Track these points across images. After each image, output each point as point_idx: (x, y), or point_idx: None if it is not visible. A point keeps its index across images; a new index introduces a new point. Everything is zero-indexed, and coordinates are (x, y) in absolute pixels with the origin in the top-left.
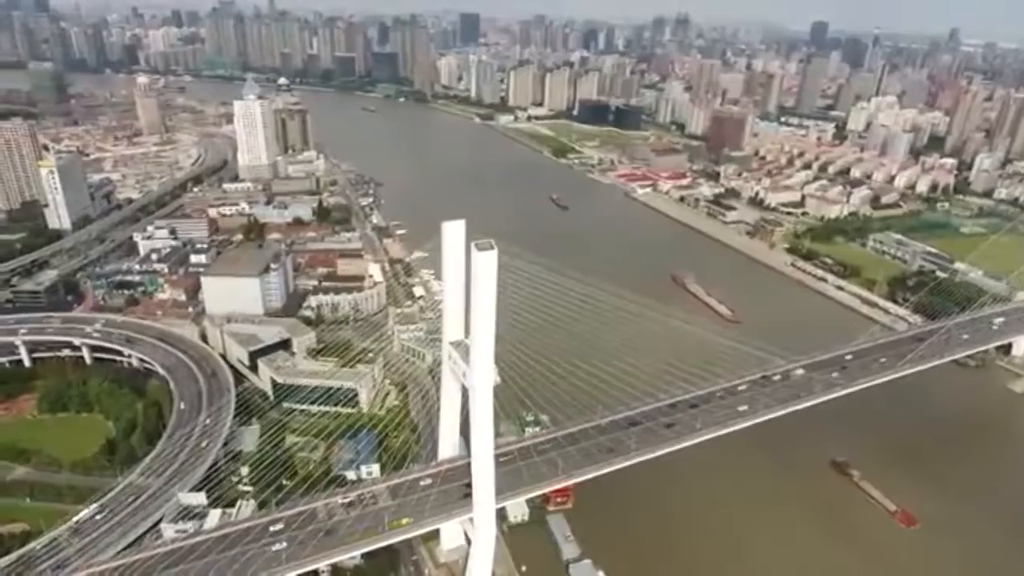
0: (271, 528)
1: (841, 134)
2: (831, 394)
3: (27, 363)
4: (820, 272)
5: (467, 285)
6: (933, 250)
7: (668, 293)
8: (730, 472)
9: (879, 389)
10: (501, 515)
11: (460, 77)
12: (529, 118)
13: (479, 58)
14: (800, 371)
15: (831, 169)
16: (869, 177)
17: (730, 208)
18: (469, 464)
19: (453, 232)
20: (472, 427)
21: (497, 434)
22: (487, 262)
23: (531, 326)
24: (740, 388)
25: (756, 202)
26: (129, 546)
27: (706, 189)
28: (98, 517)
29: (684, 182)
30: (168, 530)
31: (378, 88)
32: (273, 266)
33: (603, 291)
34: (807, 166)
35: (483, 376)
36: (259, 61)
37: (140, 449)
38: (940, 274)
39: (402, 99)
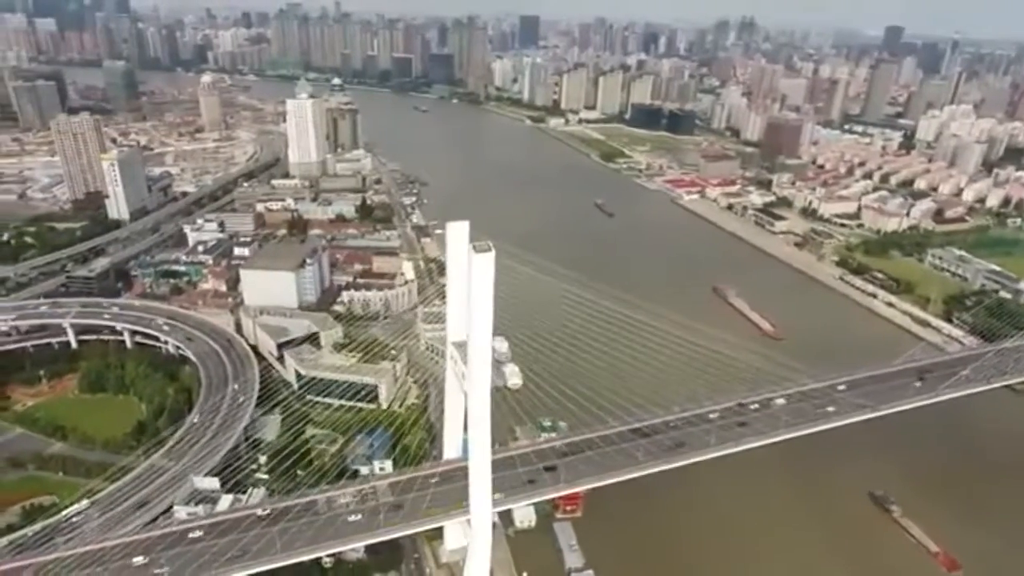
0: (274, 516)
1: (909, 144)
2: (856, 416)
3: (74, 345)
4: (870, 287)
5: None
6: (998, 268)
7: (708, 306)
8: (755, 495)
9: (924, 415)
10: (508, 519)
11: (514, 79)
12: (580, 121)
13: (533, 60)
14: (781, 400)
15: (893, 180)
16: (935, 189)
17: (779, 218)
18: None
19: (457, 232)
20: (469, 429)
21: (513, 437)
22: (484, 264)
23: (558, 334)
24: (752, 407)
25: (808, 212)
26: (146, 524)
27: (756, 197)
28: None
29: (733, 189)
30: (180, 512)
31: (432, 89)
32: (309, 261)
33: (636, 302)
34: (867, 176)
35: (480, 378)
36: (321, 61)
37: (167, 431)
38: (1004, 294)
39: (455, 100)
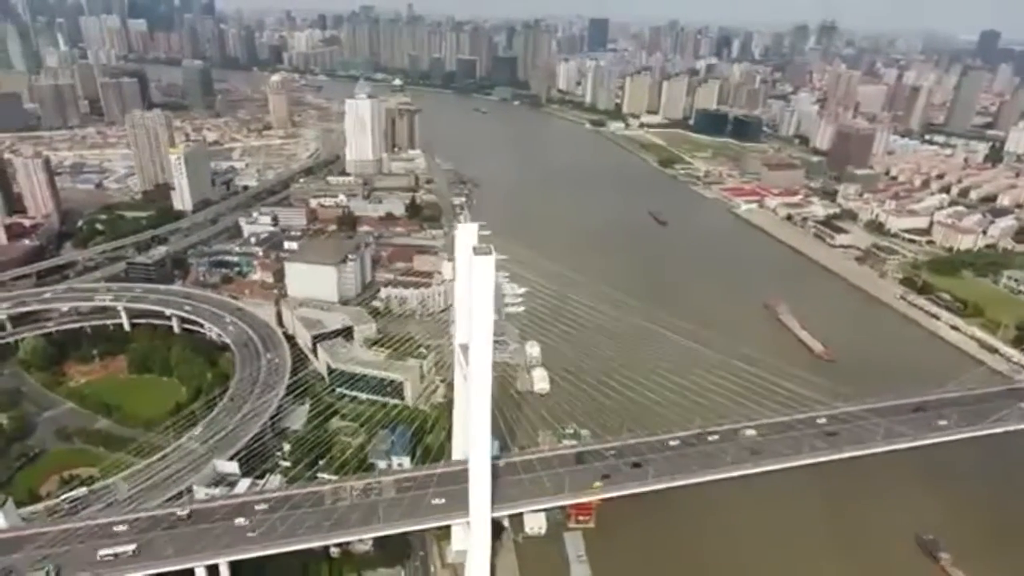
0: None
1: (996, 156)
2: (890, 445)
3: (127, 327)
4: (934, 308)
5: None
6: None
7: (756, 323)
8: (783, 525)
9: (981, 451)
10: (518, 525)
11: (578, 83)
12: (641, 125)
13: (596, 63)
14: (751, 431)
15: (974, 195)
16: (1020, 206)
17: (841, 231)
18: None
19: (466, 235)
20: (469, 432)
21: (535, 443)
22: (485, 266)
23: (592, 343)
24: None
25: (874, 226)
26: (167, 501)
27: (818, 208)
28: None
29: (794, 199)
30: (200, 492)
31: (495, 91)
32: (351, 257)
33: (673, 318)
34: (945, 190)
35: (481, 380)
36: (389, 63)
37: (200, 415)
38: None
39: (516, 103)
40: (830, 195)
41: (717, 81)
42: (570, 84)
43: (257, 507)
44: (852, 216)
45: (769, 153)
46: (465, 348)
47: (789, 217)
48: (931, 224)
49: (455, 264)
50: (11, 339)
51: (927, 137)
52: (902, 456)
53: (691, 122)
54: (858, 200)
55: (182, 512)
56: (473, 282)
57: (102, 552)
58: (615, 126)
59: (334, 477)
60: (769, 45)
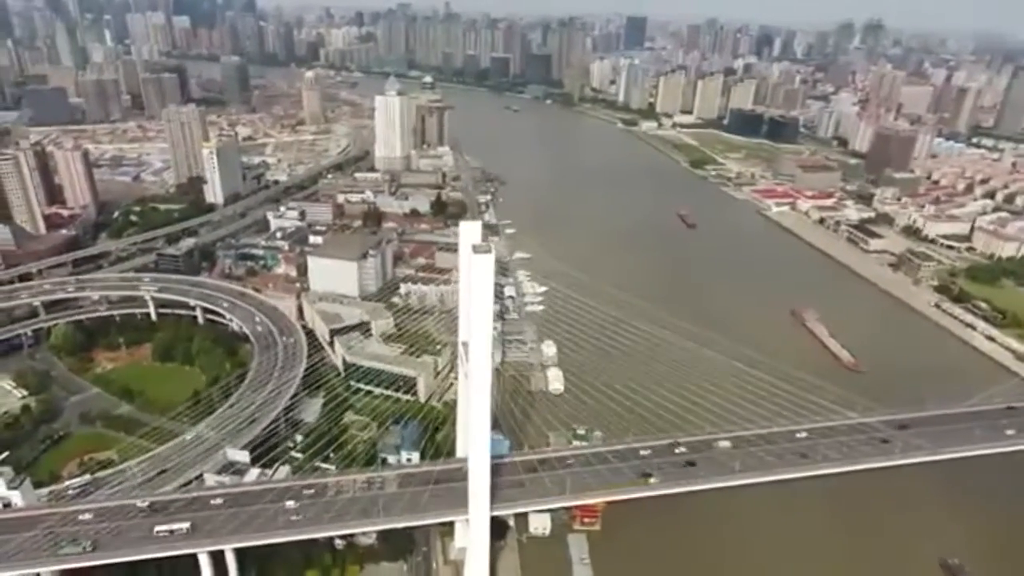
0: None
1: None
2: (909, 458)
3: (154, 317)
4: (969, 318)
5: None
6: None
7: (783, 330)
8: (798, 538)
9: (1010, 470)
10: (523, 524)
11: (612, 81)
12: (674, 125)
13: (630, 62)
14: (726, 443)
15: (1020, 201)
16: None
17: (875, 235)
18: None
19: (469, 232)
20: (469, 430)
21: (546, 443)
22: (484, 265)
23: (611, 347)
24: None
25: (911, 231)
26: (179, 487)
27: (852, 212)
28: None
29: (828, 202)
30: (210, 479)
31: (527, 89)
32: (372, 252)
33: (694, 326)
34: (989, 195)
35: (480, 378)
36: (424, 60)
37: (217, 404)
38: None
39: (548, 101)
40: (866, 199)
41: (753, 81)
42: (604, 83)
43: (263, 496)
44: (888, 221)
45: (804, 155)
46: (467, 345)
47: (821, 220)
48: (972, 230)
49: (460, 260)
50: (45, 325)
51: (974, 140)
52: (925, 471)
53: (725, 122)
54: (895, 204)
55: (142, 503)
56: (473, 280)
57: (158, 528)
58: (647, 125)
59: (332, 468)
60: (813, 44)
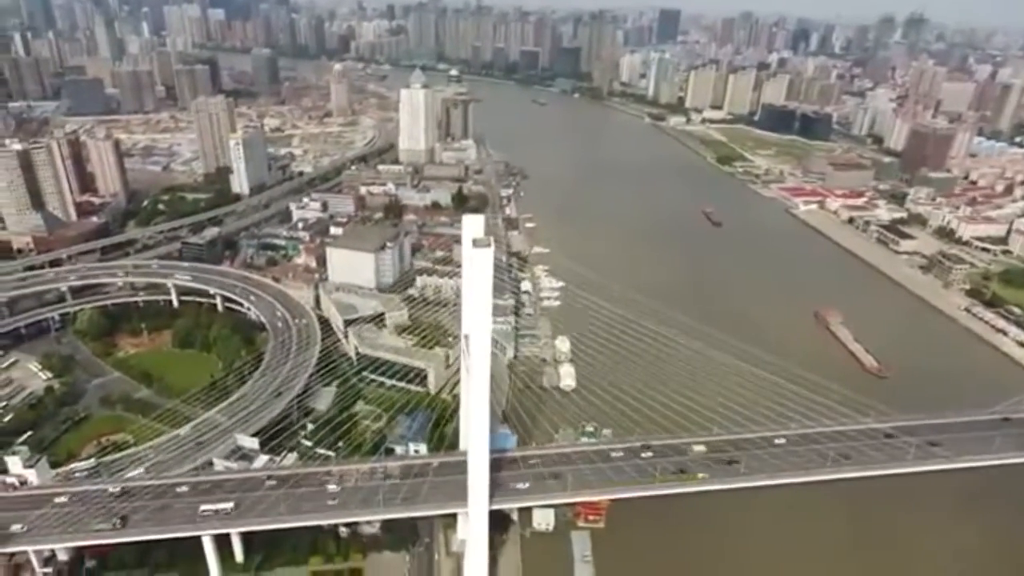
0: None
1: None
2: (925, 466)
3: (175, 304)
4: (1001, 323)
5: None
6: None
7: (805, 333)
8: (806, 548)
9: None
10: (526, 519)
11: (642, 75)
12: (703, 121)
13: (660, 55)
14: (700, 447)
15: None
16: None
17: (906, 236)
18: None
19: (471, 225)
20: (469, 423)
21: (551, 439)
22: (483, 259)
23: (626, 349)
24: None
25: (944, 233)
26: (189, 471)
27: (883, 212)
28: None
29: (858, 201)
30: (219, 464)
31: (556, 83)
32: (389, 244)
33: (713, 329)
34: None
35: (479, 372)
36: (453, 53)
37: (231, 390)
38: None
39: (576, 95)
40: (899, 199)
41: (787, 75)
42: (633, 77)
43: (267, 483)
44: (921, 221)
45: (837, 152)
46: (468, 339)
47: (851, 220)
48: (1009, 232)
49: (463, 254)
50: (71, 310)
51: (1017, 139)
52: (940, 480)
53: (756, 118)
54: (929, 204)
55: (114, 488)
56: (472, 274)
57: (204, 507)
58: (675, 120)
59: (332, 454)
60: (852, 38)
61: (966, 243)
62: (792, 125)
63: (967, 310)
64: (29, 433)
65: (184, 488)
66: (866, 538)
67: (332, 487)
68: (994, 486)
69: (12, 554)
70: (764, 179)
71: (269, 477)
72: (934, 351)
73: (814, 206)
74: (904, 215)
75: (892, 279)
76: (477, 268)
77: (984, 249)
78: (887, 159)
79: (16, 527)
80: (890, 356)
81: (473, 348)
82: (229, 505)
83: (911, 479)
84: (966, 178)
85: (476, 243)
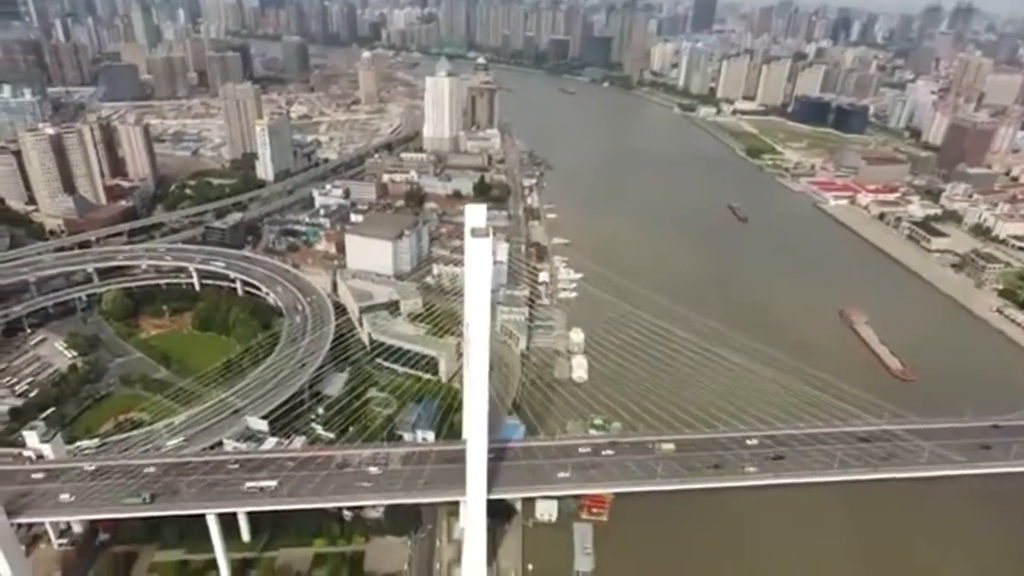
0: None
1: None
2: (939, 470)
3: (197, 287)
4: None
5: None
6: None
7: (829, 333)
8: (814, 552)
9: None
10: (529, 510)
11: (674, 65)
12: (734, 112)
13: (692, 45)
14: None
15: None
16: None
17: (939, 234)
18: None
19: (474, 214)
20: (467, 415)
21: (563, 430)
22: (482, 248)
23: (642, 347)
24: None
25: (980, 231)
26: (201, 450)
27: (916, 208)
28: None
29: (890, 197)
30: (228, 445)
31: (585, 72)
32: (407, 232)
33: (740, 323)
34: None
35: (478, 362)
36: (484, 41)
37: (246, 373)
38: None
39: (606, 84)
40: (934, 195)
41: (823, 66)
42: (665, 66)
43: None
44: (956, 219)
45: (871, 146)
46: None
47: (882, 216)
48: None
49: (466, 243)
50: (98, 291)
51: None
52: (955, 487)
53: (789, 110)
54: (966, 201)
55: (89, 467)
56: (471, 263)
57: (248, 484)
58: (705, 111)
59: (331, 435)
60: (895, 28)
61: (1003, 242)
62: (826, 117)
63: (999, 311)
64: (52, 409)
65: (192, 467)
66: (871, 540)
67: (331, 471)
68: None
69: (31, 525)
70: (794, 172)
71: (272, 459)
72: (961, 354)
73: (844, 201)
74: (938, 212)
75: (922, 278)
76: (475, 258)
77: (1022, 248)
78: (924, 153)
79: (64, 496)
80: (915, 358)
81: (471, 339)
82: (273, 483)
83: (920, 483)
84: (1007, 174)
85: (474, 232)
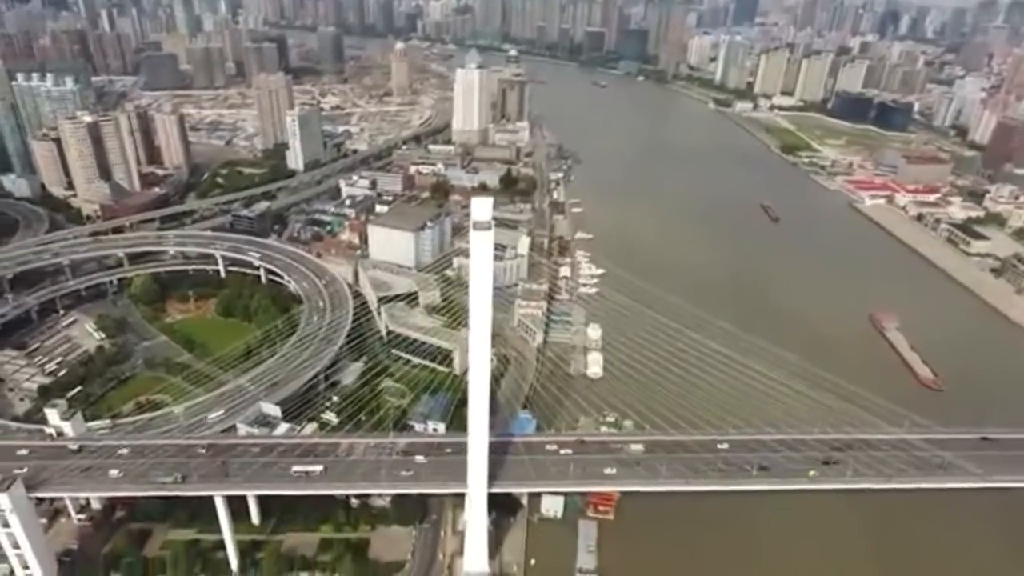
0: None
1: None
2: (956, 483)
3: (222, 274)
4: None
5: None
6: None
7: (858, 339)
8: (826, 562)
9: None
10: (535, 505)
11: (712, 58)
12: (771, 107)
13: (731, 38)
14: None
15: None
16: None
17: (980, 236)
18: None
19: (480, 207)
20: (469, 410)
21: (574, 425)
22: (484, 242)
23: (660, 339)
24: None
25: None
26: (216, 433)
27: (956, 209)
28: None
29: (930, 197)
30: (242, 429)
31: (620, 65)
32: (430, 224)
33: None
34: None
35: (480, 357)
36: (519, 33)
37: (264, 359)
38: None
39: (640, 77)
40: (977, 196)
41: (866, 61)
42: (702, 60)
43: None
44: (1000, 221)
45: (913, 145)
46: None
47: (919, 217)
48: None
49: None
50: (128, 275)
51: None
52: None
53: (829, 106)
54: (1011, 203)
55: (73, 446)
56: (472, 256)
57: (295, 468)
58: (741, 106)
59: (335, 419)
60: (948, 22)
61: None
62: (867, 114)
63: None
64: (78, 388)
65: (202, 450)
66: (879, 550)
67: (336, 458)
68: None
69: (52, 500)
70: (830, 171)
71: (276, 444)
72: (997, 363)
73: (881, 201)
74: (981, 214)
75: (958, 282)
76: (477, 251)
77: None
78: (969, 153)
79: (114, 472)
80: (947, 367)
81: (472, 332)
82: (319, 468)
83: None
84: None
85: (476, 226)
